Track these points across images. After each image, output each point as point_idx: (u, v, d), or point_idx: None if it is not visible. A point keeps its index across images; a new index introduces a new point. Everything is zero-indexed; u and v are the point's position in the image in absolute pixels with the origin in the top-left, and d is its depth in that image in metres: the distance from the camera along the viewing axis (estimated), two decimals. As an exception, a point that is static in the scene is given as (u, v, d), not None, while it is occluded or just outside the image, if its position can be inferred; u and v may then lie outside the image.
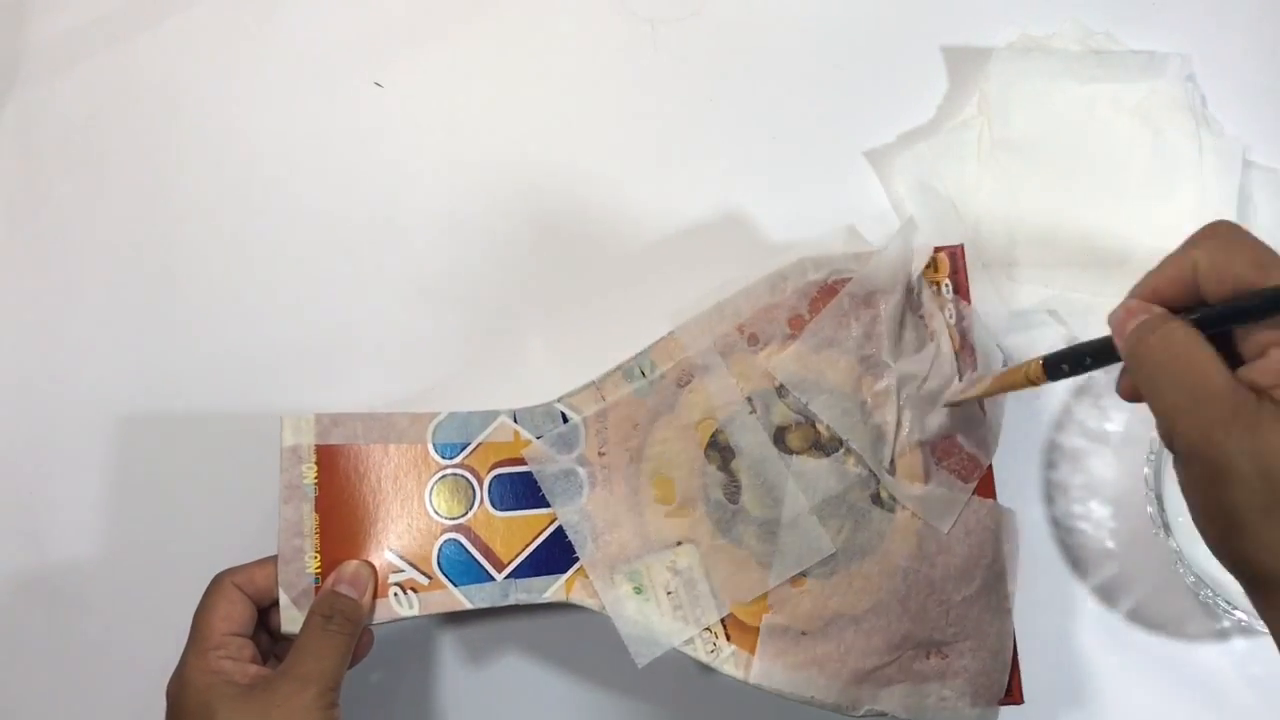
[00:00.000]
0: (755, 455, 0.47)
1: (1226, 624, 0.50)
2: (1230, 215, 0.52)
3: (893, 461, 0.47)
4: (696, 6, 0.58)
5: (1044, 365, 0.40)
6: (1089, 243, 0.53)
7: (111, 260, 0.55)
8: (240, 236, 0.56)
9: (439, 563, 0.45)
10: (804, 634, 0.45)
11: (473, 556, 0.45)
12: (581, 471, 0.46)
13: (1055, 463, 0.52)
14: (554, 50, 0.58)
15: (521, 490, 0.46)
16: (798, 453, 0.47)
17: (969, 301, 0.49)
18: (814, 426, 0.47)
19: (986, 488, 0.48)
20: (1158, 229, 0.53)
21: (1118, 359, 0.36)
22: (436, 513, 0.46)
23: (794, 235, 0.55)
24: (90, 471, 0.53)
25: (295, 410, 0.46)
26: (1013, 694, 0.47)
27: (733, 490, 0.46)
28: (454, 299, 0.54)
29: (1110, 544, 0.52)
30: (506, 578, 0.45)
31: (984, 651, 0.46)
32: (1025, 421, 0.52)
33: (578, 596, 0.45)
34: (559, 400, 0.47)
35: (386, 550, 0.45)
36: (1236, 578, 0.33)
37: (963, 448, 0.48)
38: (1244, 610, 0.46)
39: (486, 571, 0.45)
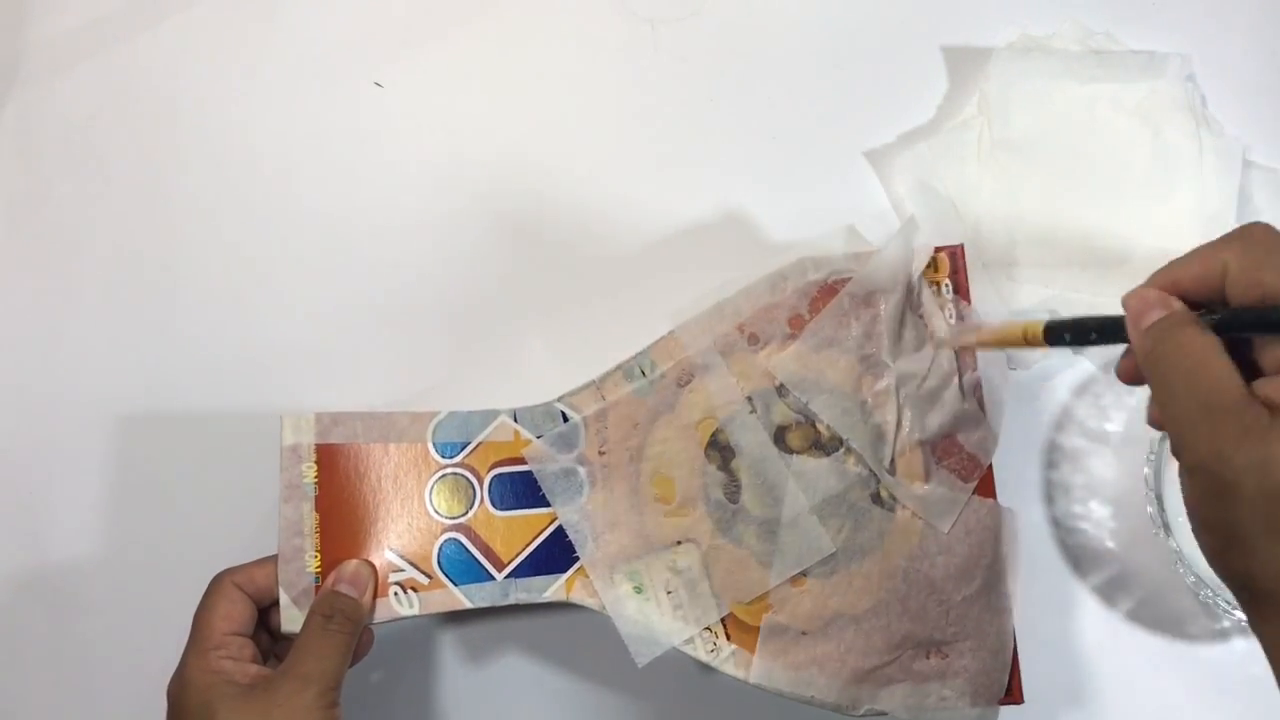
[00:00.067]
0: (755, 455, 0.47)
1: (1226, 624, 0.50)
2: (1230, 215, 0.53)
3: (893, 461, 0.47)
4: (696, 6, 0.58)
5: (1045, 329, 0.39)
6: (1089, 243, 0.53)
7: (111, 260, 0.55)
8: (240, 236, 0.56)
9: (439, 562, 0.45)
10: (804, 633, 0.45)
11: (473, 556, 0.45)
12: (581, 471, 0.46)
13: (1055, 463, 0.52)
14: (554, 50, 0.58)
15: (521, 490, 0.46)
16: (798, 452, 0.47)
17: (969, 301, 0.49)
18: (814, 426, 0.47)
19: (986, 488, 0.48)
20: (1158, 229, 0.53)
21: (1123, 340, 0.35)
22: (437, 512, 0.46)
23: (794, 235, 0.55)
24: (90, 471, 0.53)
25: (295, 410, 0.46)
26: (1013, 694, 0.47)
27: (733, 490, 0.46)
28: (454, 298, 0.54)
29: (1110, 544, 0.52)
30: (507, 577, 0.45)
31: (984, 651, 0.46)
32: (1025, 421, 0.52)
33: (578, 596, 0.45)
34: (559, 400, 0.47)
35: (387, 549, 0.45)
36: (1232, 591, 0.33)
37: (963, 447, 0.48)
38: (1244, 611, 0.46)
39: (486, 571, 0.45)
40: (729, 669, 0.45)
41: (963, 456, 0.47)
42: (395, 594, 0.45)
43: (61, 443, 0.54)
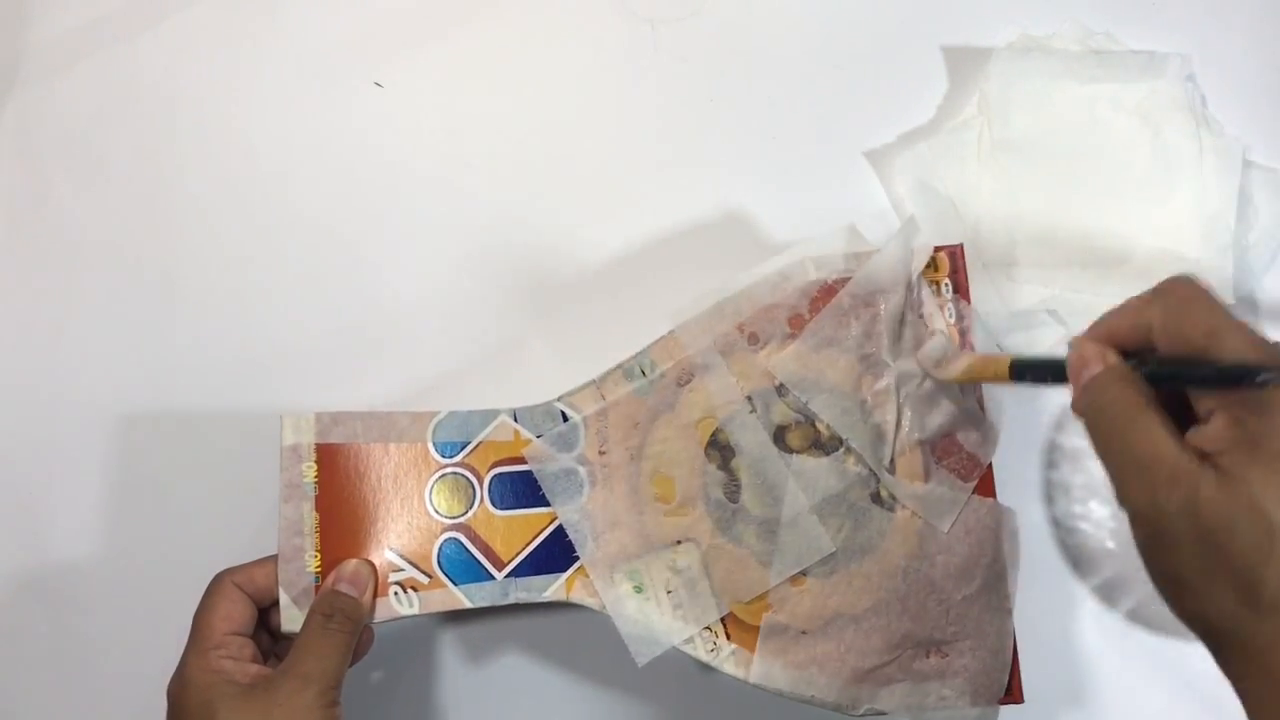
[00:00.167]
0: (755, 454, 0.47)
1: (1227, 624, 0.50)
2: (1230, 215, 0.53)
3: (893, 460, 0.47)
4: (696, 6, 0.58)
5: (1010, 366, 0.41)
6: (1089, 243, 0.53)
7: (111, 260, 0.55)
8: (240, 236, 0.56)
9: (439, 561, 0.45)
10: (804, 633, 0.45)
11: (473, 555, 0.45)
12: (581, 470, 0.46)
13: (1055, 463, 0.52)
14: (554, 50, 0.58)
15: (521, 489, 0.46)
16: (798, 452, 0.47)
17: (969, 301, 0.49)
18: (814, 425, 0.47)
19: (986, 487, 0.48)
20: (1158, 229, 0.53)
21: None
22: (436, 511, 0.46)
23: (794, 235, 0.55)
24: (90, 471, 0.53)
25: (295, 409, 0.46)
26: (1013, 693, 0.47)
27: (733, 489, 0.47)
28: (454, 298, 0.54)
29: (1110, 544, 0.52)
30: (506, 577, 0.45)
31: (984, 651, 0.46)
32: (1025, 421, 0.52)
33: (578, 595, 0.45)
34: (559, 399, 0.47)
35: (387, 549, 0.45)
36: (1197, 636, 0.33)
37: (963, 447, 0.48)
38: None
39: (486, 570, 0.45)
40: (729, 668, 0.45)
41: (962, 456, 0.47)
42: (395, 593, 0.45)
43: (61, 443, 0.54)
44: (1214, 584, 0.31)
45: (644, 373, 0.47)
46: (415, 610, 0.45)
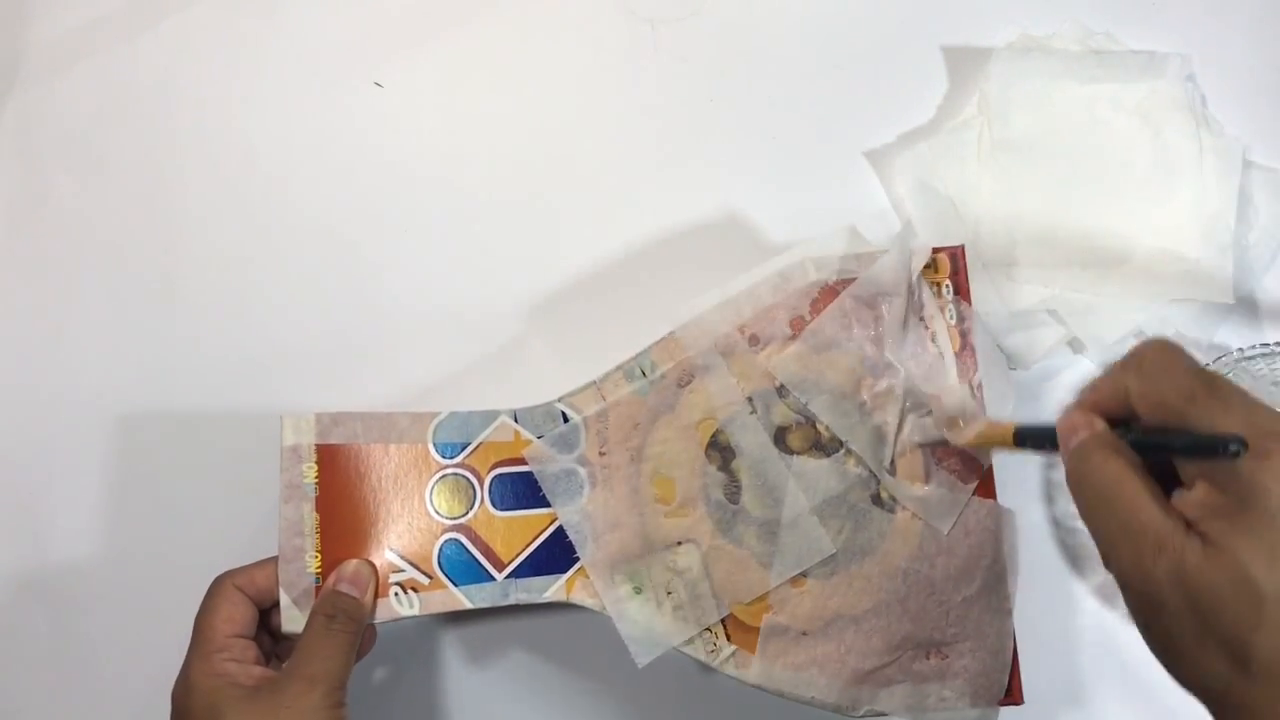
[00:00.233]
0: (756, 455, 0.47)
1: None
2: (1230, 215, 0.53)
3: (893, 462, 0.47)
4: (696, 6, 0.58)
5: (1015, 434, 0.42)
6: (1089, 243, 0.53)
7: (111, 260, 0.55)
8: (240, 236, 0.56)
9: (439, 562, 0.45)
10: (804, 634, 0.45)
11: (473, 556, 0.45)
12: (582, 471, 0.46)
13: (1055, 463, 0.52)
14: (554, 50, 0.58)
15: (522, 490, 0.46)
16: (798, 453, 0.47)
17: (969, 302, 0.49)
18: (814, 427, 0.47)
19: (986, 488, 0.48)
20: (1158, 229, 0.53)
21: None
22: (437, 512, 0.46)
23: (794, 235, 0.55)
24: (90, 471, 0.53)
25: (295, 410, 0.46)
26: (1013, 694, 0.47)
27: (733, 490, 0.47)
28: (454, 298, 0.54)
29: (1110, 544, 0.52)
30: (507, 577, 0.45)
31: (984, 652, 0.46)
32: (1025, 421, 0.52)
33: (578, 596, 0.45)
34: (559, 400, 0.47)
35: (387, 550, 0.45)
36: (1196, 697, 0.33)
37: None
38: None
39: (487, 571, 0.45)
40: (729, 669, 0.45)
41: (963, 457, 0.47)
42: (396, 594, 0.45)
43: (61, 443, 0.54)
44: (1205, 650, 0.31)
45: (644, 373, 0.47)
46: (416, 611, 0.45)
